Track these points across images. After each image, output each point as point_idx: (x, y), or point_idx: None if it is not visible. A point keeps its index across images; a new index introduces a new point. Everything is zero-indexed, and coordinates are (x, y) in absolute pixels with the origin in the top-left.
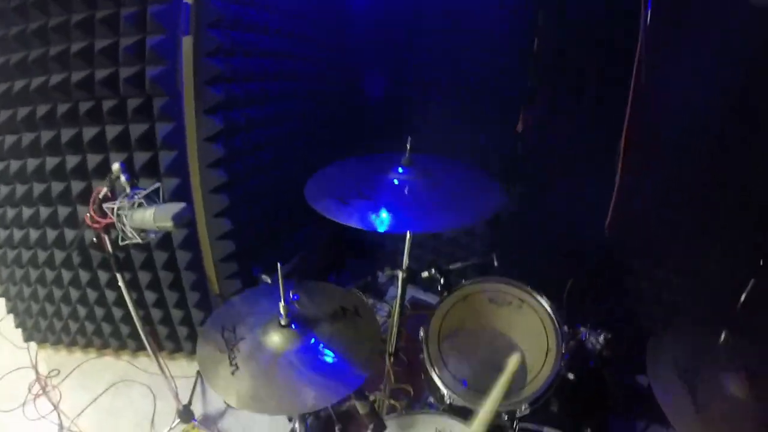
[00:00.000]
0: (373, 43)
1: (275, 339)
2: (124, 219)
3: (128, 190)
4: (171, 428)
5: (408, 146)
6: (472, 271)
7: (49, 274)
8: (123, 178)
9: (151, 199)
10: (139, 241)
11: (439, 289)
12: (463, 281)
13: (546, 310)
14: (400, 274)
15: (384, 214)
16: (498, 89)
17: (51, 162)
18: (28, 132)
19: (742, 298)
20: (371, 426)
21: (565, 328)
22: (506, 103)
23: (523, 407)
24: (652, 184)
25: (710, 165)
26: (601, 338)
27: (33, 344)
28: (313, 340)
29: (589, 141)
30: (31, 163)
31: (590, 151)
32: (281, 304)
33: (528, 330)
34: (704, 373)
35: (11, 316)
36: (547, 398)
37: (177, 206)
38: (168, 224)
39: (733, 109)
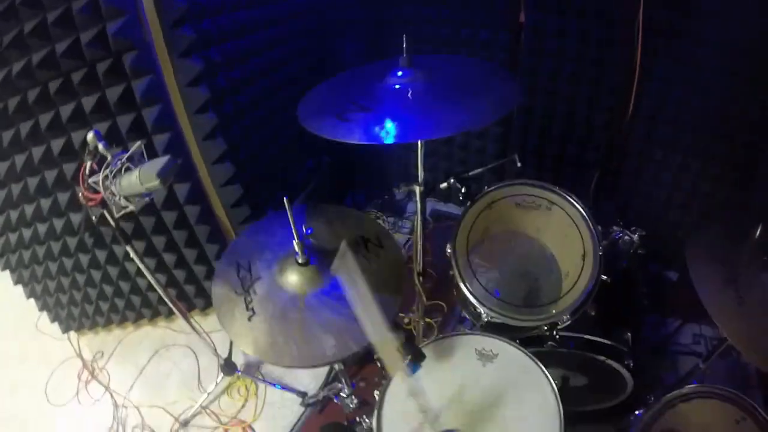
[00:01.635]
0: None
1: (293, 279)
2: (113, 189)
3: (109, 157)
4: (217, 383)
5: (404, 45)
6: (492, 175)
7: (68, 262)
8: (100, 146)
9: (137, 161)
10: (134, 208)
11: (461, 198)
12: (486, 187)
13: (578, 210)
14: (417, 189)
15: (389, 124)
16: None
17: (37, 152)
18: (5, 129)
19: None
20: (409, 357)
21: (599, 228)
22: None
23: (564, 318)
24: (673, 70)
25: (742, 46)
26: (636, 236)
27: (72, 334)
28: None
29: (602, 26)
30: (18, 159)
31: (604, 36)
32: (295, 241)
33: (560, 233)
34: (743, 269)
35: (45, 314)
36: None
37: (160, 161)
38: (155, 182)
39: None
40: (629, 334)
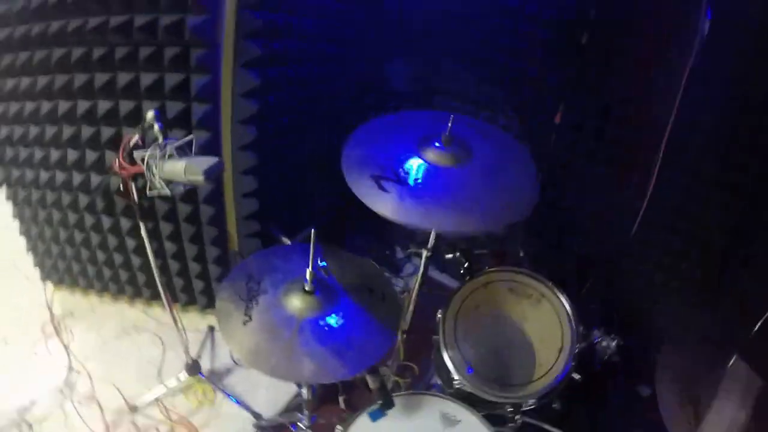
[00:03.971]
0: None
1: (295, 302)
2: (154, 169)
3: (161, 139)
4: (178, 380)
5: (450, 124)
6: (493, 257)
7: (72, 217)
8: (156, 126)
9: (183, 150)
10: (168, 192)
11: (462, 272)
12: (487, 267)
13: (565, 308)
14: (425, 253)
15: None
16: (538, 77)
17: (82, 105)
18: (62, 74)
19: (759, 324)
20: (380, 402)
21: (580, 328)
22: (545, 91)
23: (529, 401)
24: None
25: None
26: (614, 344)
27: (49, 284)
28: (332, 315)
29: (630, 141)
30: (63, 106)
31: (629, 151)
32: (308, 270)
33: (543, 325)
34: (708, 394)
35: (30, 255)
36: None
37: (210, 160)
38: (198, 178)
39: None
40: None
